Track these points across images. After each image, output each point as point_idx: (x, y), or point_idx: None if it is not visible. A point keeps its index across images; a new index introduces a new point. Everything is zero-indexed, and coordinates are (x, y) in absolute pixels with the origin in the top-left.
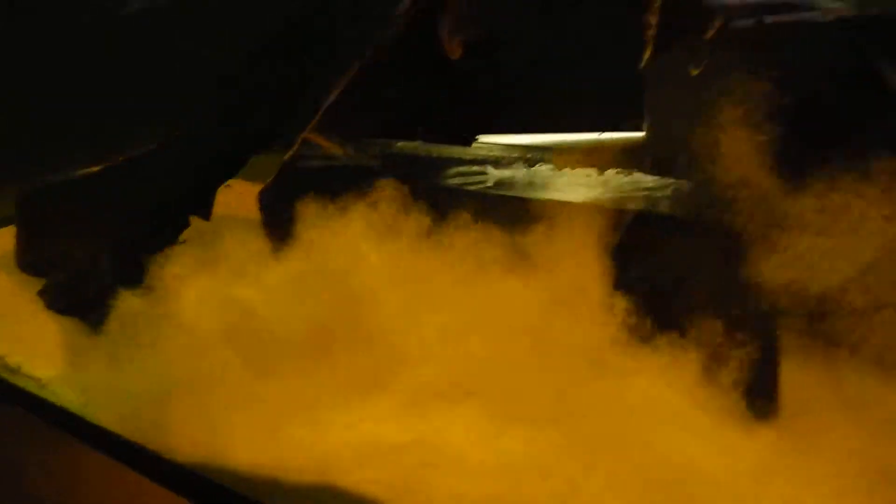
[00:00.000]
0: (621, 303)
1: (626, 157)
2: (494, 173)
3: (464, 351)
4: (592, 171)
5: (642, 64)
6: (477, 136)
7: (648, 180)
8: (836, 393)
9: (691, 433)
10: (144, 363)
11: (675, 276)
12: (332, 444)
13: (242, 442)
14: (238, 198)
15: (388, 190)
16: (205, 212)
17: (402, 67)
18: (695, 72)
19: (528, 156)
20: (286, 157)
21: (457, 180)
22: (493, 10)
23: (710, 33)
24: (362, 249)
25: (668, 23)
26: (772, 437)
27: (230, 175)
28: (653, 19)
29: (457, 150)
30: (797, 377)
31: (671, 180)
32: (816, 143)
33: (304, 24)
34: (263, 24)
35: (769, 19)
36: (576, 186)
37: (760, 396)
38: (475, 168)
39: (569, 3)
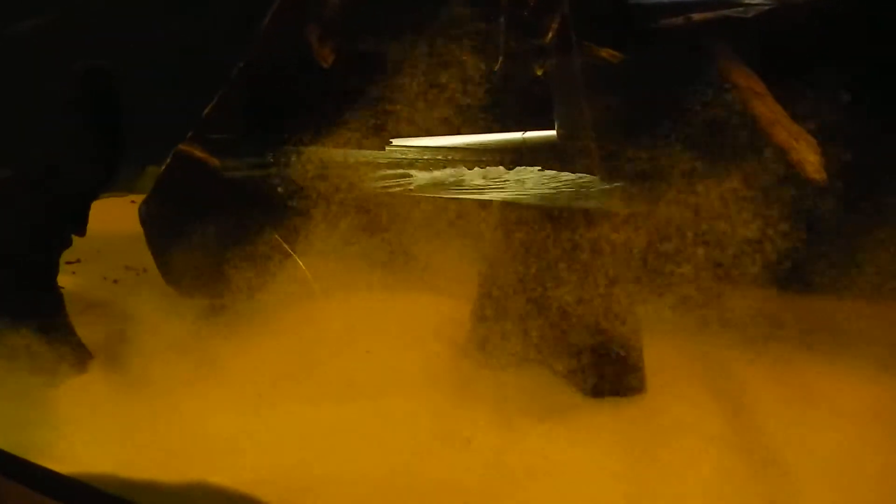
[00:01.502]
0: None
1: (538, 155)
2: (419, 176)
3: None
4: (504, 170)
5: (496, 67)
6: (391, 140)
7: (560, 176)
8: (703, 373)
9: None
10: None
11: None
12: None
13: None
14: None
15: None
16: (80, 229)
17: (278, 76)
18: (539, 72)
19: (440, 157)
20: (161, 170)
21: (381, 184)
22: (362, 17)
23: (549, 37)
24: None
25: (514, 27)
26: (637, 415)
27: (98, 192)
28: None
29: (372, 154)
30: (663, 358)
31: (581, 175)
32: None
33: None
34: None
35: (696, 16)
36: (492, 185)
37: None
38: (399, 171)
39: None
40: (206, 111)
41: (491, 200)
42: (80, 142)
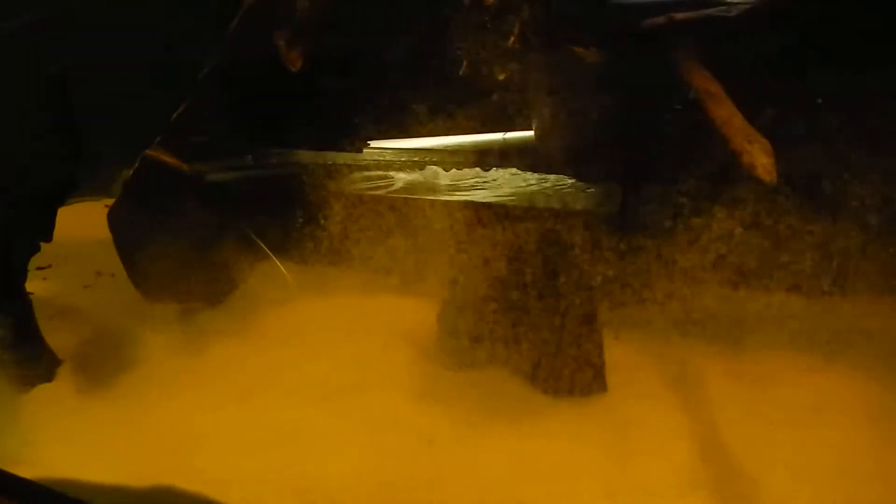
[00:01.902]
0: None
1: (515, 157)
2: (396, 178)
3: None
4: (480, 172)
5: (461, 71)
6: (368, 142)
7: (535, 177)
8: (665, 370)
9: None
10: None
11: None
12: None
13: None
14: None
15: None
16: (46, 235)
17: (247, 81)
18: (501, 77)
19: (417, 159)
20: (128, 175)
21: (362, 185)
22: (330, 20)
23: (512, 40)
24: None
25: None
26: (599, 413)
27: (64, 197)
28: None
29: (349, 157)
30: (623, 356)
31: (557, 177)
32: None
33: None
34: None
35: (679, 16)
36: (471, 186)
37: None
38: (375, 174)
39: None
40: (174, 116)
41: (456, 202)
42: (42, 147)
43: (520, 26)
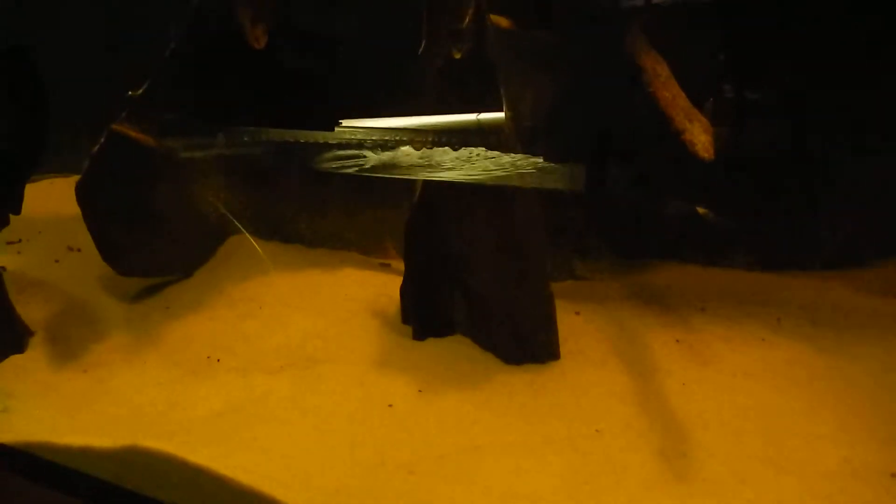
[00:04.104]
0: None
1: (485, 136)
2: (373, 156)
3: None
4: (450, 151)
5: (420, 51)
6: (340, 121)
7: (507, 157)
8: (615, 339)
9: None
10: None
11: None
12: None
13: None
14: None
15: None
16: (14, 207)
17: (210, 58)
18: (457, 55)
19: (388, 138)
20: (94, 150)
21: (334, 164)
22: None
23: (467, 21)
24: None
25: (435, 11)
26: (552, 379)
27: (29, 173)
28: (426, 13)
29: (321, 135)
30: (577, 327)
31: (528, 157)
32: None
33: None
34: None
35: None
36: (442, 165)
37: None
38: (347, 152)
39: None
40: (139, 91)
41: (416, 180)
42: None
43: (477, 8)
